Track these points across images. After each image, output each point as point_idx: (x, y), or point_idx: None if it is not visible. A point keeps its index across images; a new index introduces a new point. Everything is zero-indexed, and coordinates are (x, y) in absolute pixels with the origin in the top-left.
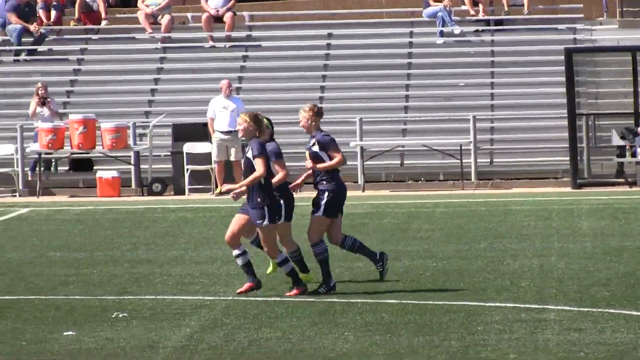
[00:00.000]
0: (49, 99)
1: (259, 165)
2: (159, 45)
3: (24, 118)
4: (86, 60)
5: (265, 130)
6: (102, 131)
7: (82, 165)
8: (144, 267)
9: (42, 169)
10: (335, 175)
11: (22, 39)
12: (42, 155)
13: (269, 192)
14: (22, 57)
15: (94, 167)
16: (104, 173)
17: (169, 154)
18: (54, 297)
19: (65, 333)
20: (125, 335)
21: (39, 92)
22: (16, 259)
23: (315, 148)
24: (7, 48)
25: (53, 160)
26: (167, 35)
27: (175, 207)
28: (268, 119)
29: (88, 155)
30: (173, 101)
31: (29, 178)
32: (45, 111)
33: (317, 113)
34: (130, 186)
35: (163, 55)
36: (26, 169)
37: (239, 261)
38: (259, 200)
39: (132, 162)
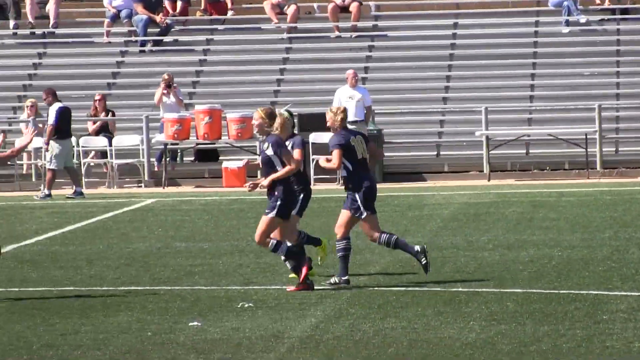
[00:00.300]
0: (175, 85)
1: (289, 160)
2: (285, 35)
3: (149, 109)
4: (212, 51)
5: (285, 126)
6: (227, 121)
7: (208, 155)
8: (270, 257)
9: (167, 159)
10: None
11: (148, 30)
12: (168, 146)
13: (288, 187)
14: (148, 47)
15: (220, 158)
16: (230, 163)
17: None
18: (180, 288)
19: (190, 323)
20: (251, 325)
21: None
22: (142, 250)
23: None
24: (133, 39)
25: (179, 151)
26: (293, 25)
27: None
28: (289, 112)
29: (214, 145)
30: (299, 91)
31: (155, 168)
32: (171, 98)
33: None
34: (256, 176)
35: (289, 45)
36: (152, 159)
37: (280, 254)
38: (276, 193)
39: (257, 152)
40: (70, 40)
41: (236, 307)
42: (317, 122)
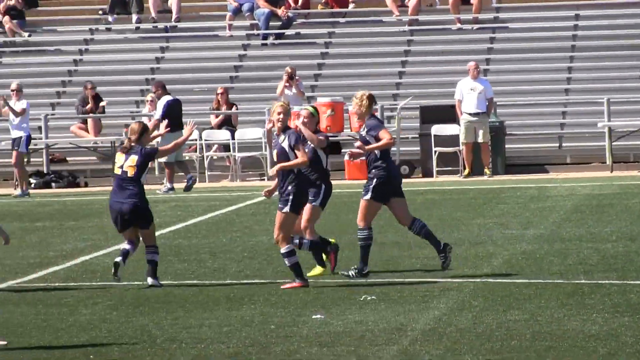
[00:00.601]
0: (297, 77)
1: (300, 154)
2: (406, 27)
3: (272, 101)
4: (333, 44)
5: (312, 120)
6: (349, 114)
7: (330, 148)
8: (392, 249)
9: None
10: (388, 160)
11: (270, 23)
12: None
13: (300, 181)
14: (270, 41)
15: (342, 150)
16: None
17: (417, 136)
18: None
19: (314, 316)
20: (374, 318)
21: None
22: (265, 243)
23: (363, 133)
24: (255, 32)
25: None
26: (414, 17)
27: (423, 190)
28: (315, 107)
29: (336, 138)
30: (420, 83)
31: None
32: (293, 90)
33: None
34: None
35: (410, 37)
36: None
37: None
38: (289, 188)
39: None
40: (192, 34)
41: (359, 299)
42: (439, 114)
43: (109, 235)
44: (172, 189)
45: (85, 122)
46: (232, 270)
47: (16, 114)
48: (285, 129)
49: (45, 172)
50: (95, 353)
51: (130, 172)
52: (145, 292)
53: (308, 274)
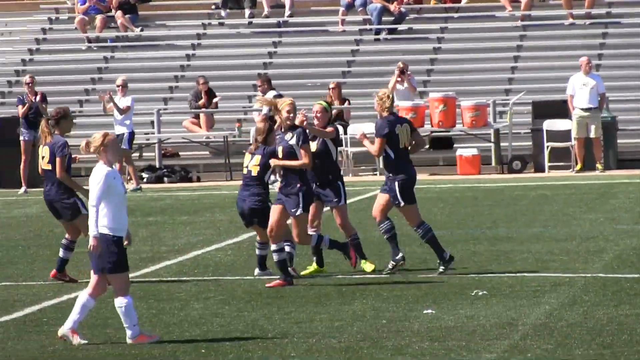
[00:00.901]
0: (409, 72)
1: (304, 155)
2: (519, 23)
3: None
4: (446, 39)
5: (324, 115)
6: (462, 109)
7: (442, 143)
8: (504, 244)
9: None
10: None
11: (383, 18)
12: None
13: (306, 179)
14: (383, 36)
15: (454, 145)
16: (464, 151)
17: (529, 131)
18: (414, 275)
19: (425, 311)
20: (485, 312)
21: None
22: (377, 237)
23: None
24: (368, 27)
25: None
26: (527, 13)
27: (535, 185)
28: (328, 102)
29: (448, 133)
30: (532, 79)
31: None
32: (405, 85)
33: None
34: (490, 164)
35: (523, 33)
36: None
37: (275, 256)
38: (297, 186)
39: (492, 139)
40: (305, 29)
41: (470, 294)
42: (551, 109)
43: (221, 230)
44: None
45: (197, 116)
46: (344, 264)
47: (120, 111)
48: (293, 126)
49: (157, 166)
50: (207, 348)
51: (254, 172)
52: (257, 287)
53: (302, 272)
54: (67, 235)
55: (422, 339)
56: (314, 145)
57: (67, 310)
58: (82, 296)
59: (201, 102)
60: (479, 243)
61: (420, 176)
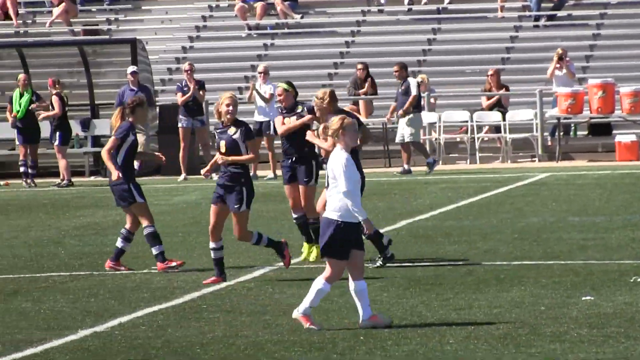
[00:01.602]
0: (567, 59)
1: (251, 149)
2: None
3: (542, 83)
4: (605, 25)
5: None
6: (620, 95)
7: (601, 129)
8: None
9: (561, 133)
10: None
11: (542, 5)
12: (561, 120)
13: (248, 175)
14: (542, 22)
15: (613, 132)
16: (623, 137)
17: None
18: (572, 262)
19: (583, 298)
20: None
21: (561, 56)
22: (535, 224)
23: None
24: (527, 14)
25: (572, 125)
26: None
27: None
28: (289, 82)
29: (607, 119)
30: None
31: (549, 143)
32: (563, 71)
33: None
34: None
35: None
36: (545, 134)
37: (213, 254)
38: (242, 181)
39: None
40: (464, 15)
41: (629, 281)
42: None
43: (379, 218)
44: (408, 171)
45: (356, 103)
46: (502, 251)
47: (266, 100)
48: (235, 121)
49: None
50: (365, 334)
51: None
52: (416, 273)
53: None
54: (126, 225)
55: (581, 326)
56: (293, 120)
57: (226, 298)
58: (318, 281)
59: (362, 91)
60: (638, 229)
61: (578, 162)
